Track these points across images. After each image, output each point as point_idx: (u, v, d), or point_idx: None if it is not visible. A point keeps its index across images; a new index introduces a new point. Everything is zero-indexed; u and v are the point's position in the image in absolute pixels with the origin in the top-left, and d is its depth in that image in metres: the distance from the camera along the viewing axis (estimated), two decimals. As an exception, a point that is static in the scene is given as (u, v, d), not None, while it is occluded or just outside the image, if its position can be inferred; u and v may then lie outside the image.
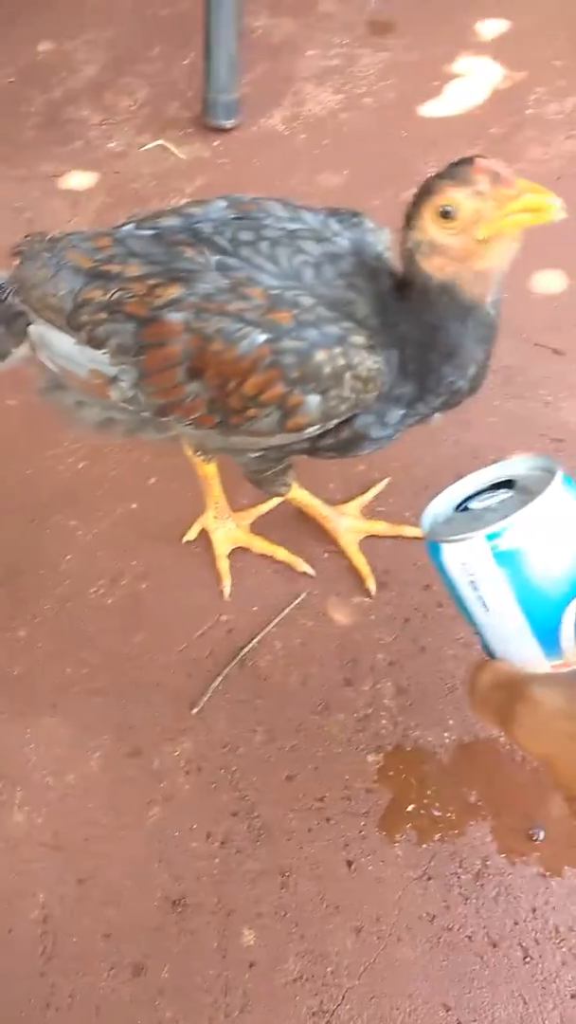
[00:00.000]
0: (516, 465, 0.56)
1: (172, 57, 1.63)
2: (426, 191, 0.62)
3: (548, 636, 0.52)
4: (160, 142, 1.48)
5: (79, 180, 1.45)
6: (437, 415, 0.74)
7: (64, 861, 0.82)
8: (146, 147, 1.48)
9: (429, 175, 0.63)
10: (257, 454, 0.78)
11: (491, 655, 0.56)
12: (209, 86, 1.44)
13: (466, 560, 0.52)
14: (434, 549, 0.54)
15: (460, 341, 0.67)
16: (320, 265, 0.69)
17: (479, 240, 0.62)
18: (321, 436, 0.73)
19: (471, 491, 0.57)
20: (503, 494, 0.55)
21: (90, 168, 1.47)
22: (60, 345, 0.75)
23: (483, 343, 0.68)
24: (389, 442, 0.76)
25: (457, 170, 0.61)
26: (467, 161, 0.61)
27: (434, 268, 0.64)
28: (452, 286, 0.65)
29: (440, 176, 0.62)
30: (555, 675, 0.53)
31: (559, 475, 0.52)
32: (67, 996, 0.76)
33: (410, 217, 0.64)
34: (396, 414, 0.72)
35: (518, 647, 0.53)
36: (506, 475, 0.56)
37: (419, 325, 0.67)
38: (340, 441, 0.74)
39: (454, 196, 0.61)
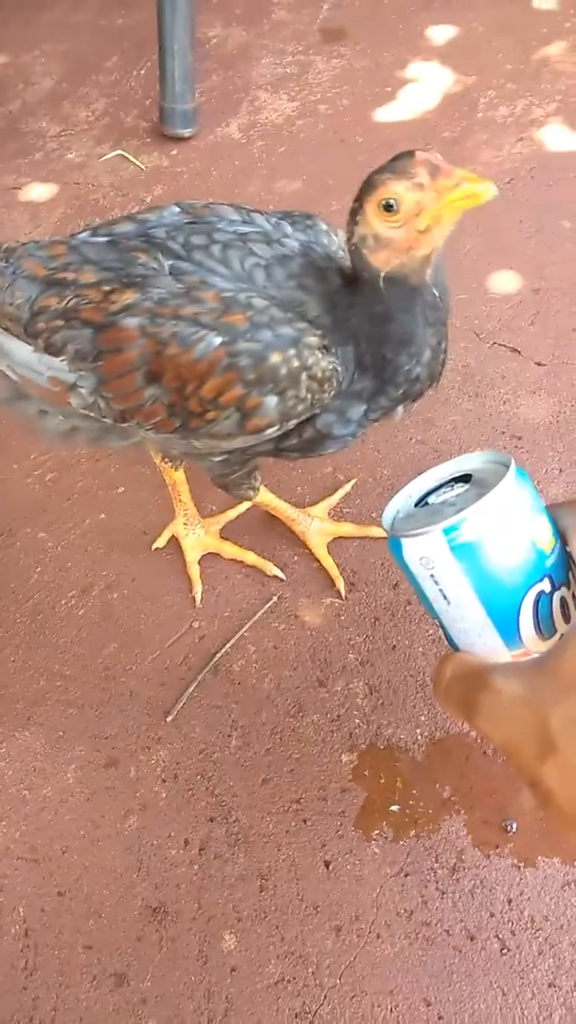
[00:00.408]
0: (472, 460, 0.58)
1: (129, 67, 1.63)
2: (368, 186, 0.63)
3: (507, 626, 0.53)
4: (119, 152, 1.49)
5: (39, 192, 1.45)
6: (399, 409, 0.75)
7: (43, 874, 0.82)
8: (105, 157, 1.49)
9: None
10: (221, 457, 0.78)
11: (455, 648, 0.57)
12: (165, 96, 1.45)
13: (425, 554, 0.53)
14: (395, 544, 0.56)
15: (411, 328, 0.68)
16: (271, 267, 0.70)
17: (421, 230, 0.63)
18: (284, 437, 0.74)
19: (430, 486, 0.58)
20: (460, 488, 0.56)
21: (50, 179, 1.47)
22: (19, 353, 0.75)
23: (433, 326, 0.69)
24: (353, 440, 0.77)
25: (397, 164, 0.62)
26: (406, 155, 0.62)
27: (380, 261, 0.65)
28: (398, 276, 0.66)
29: (381, 171, 0.63)
30: (515, 663, 0.54)
31: (512, 468, 0.54)
32: (50, 1009, 0.76)
33: (354, 213, 0.65)
34: (358, 410, 0.73)
35: (479, 638, 0.54)
36: (463, 470, 0.57)
37: (370, 318, 0.68)
38: (304, 441, 0.74)
39: (395, 189, 0.61)
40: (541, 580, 0.53)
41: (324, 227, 0.77)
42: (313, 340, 0.68)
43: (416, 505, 0.58)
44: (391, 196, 0.62)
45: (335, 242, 0.76)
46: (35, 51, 1.69)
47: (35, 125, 1.56)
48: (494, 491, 0.52)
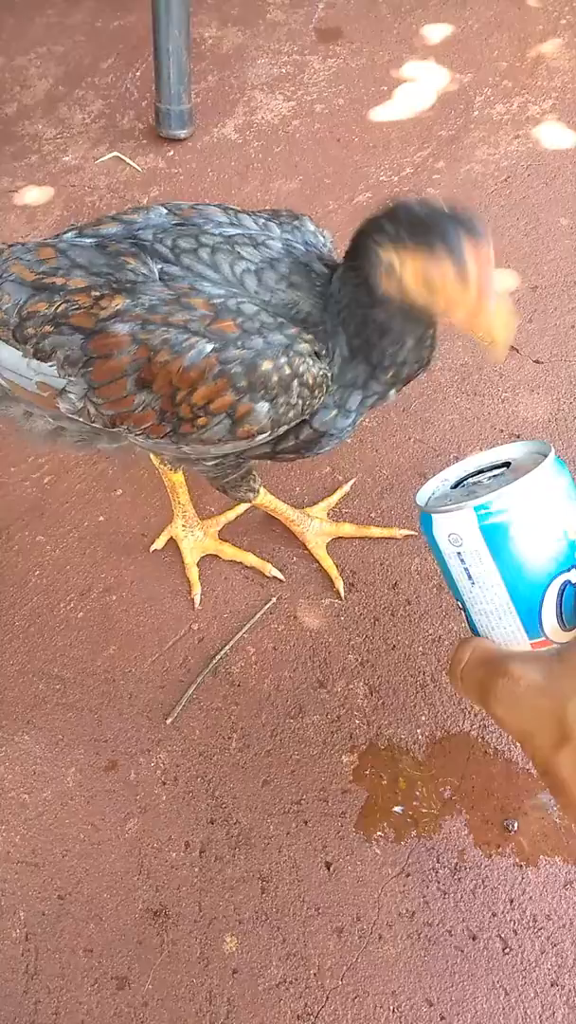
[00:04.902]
0: (513, 448, 0.58)
1: (124, 69, 1.63)
2: (427, 244, 0.59)
3: (529, 613, 0.53)
4: (115, 154, 1.49)
5: (35, 195, 1.45)
6: (392, 393, 0.74)
7: (44, 878, 0.82)
8: (101, 159, 1.48)
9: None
10: (213, 462, 0.78)
11: (474, 631, 0.56)
12: (161, 97, 1.45)
13: (454, 530, 0.53)
14: (426, 520, 0.55)
15: (390, 322, 0.67)
16: (261, 271, 0.70)
17: (443, 312, 0.63)
18: (281, 439, 0.73)
19: (469, 471, 0.58)
20: (498, 472, 0.56)
21: (46, 182, 1.46)
22: (7, 358, 0.75)
23: (415, 321, 0.68)
24: (351, 431, 0.76)
25: (460, 255, 0.59)
26: (471, 247, 0.59)
27: (387, 287, 0.64)
28: (398, 301, 0.65)
29: (452, 248, 0.59)
30: (535, 652, 0.54)
31: (551, 456, 0.54)
32: (51, 1013, 0.76)
33: (397, 239, 0.61)
34: (355, 399, 0.72)
35: (500, 622, 0.54)
36: (503, 457, 0.57)
37: (356, 303, 0.67)
38: (301, 442, 0.74)
39: (446, 279, 0.59)
40: (569, 570, 0.53)
41: (312, 227, 0.77)
42: (304, 347, 0.68)
43: (453, 488, 0.58)
44: (438, 283, 0.60)
45: (322, 240, 0.76)
46: (30, 54, 1.68)
47: (31, 128, 1.56)
48: (530, 475, 0.52)
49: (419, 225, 0.60)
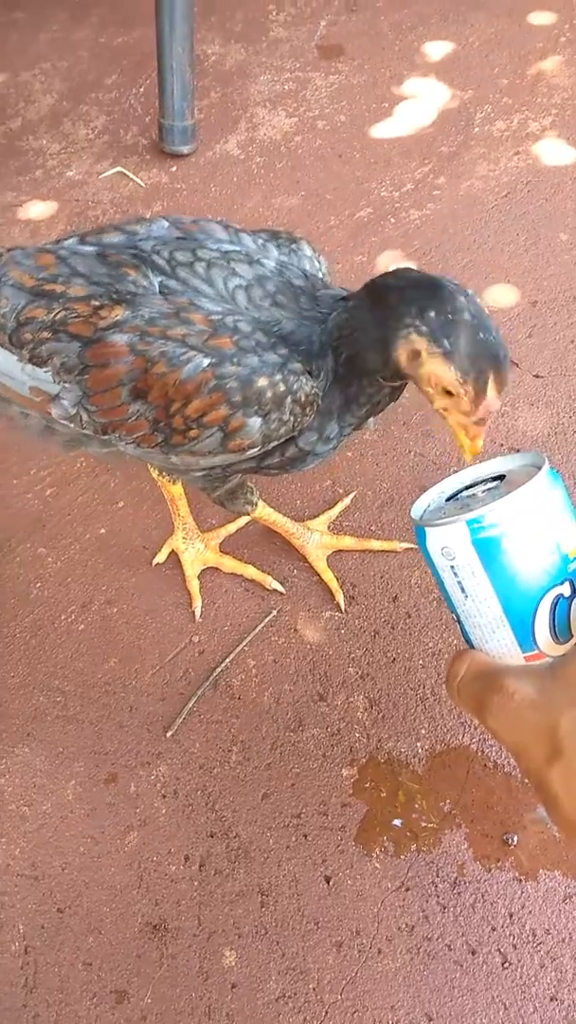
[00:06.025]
0: (509, 461, 0.58)
1: (128, 85, 1.65)
2: (463, 370, 0.62)
3: (522, 626, 0.53)
4: (119, 169, 1.50)
5: (39, 209, 1.46)
6: (370, 421, 0.76)
7: (43, 891, 0.82)
8: (105, 174, 1.50)
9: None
10: (201, 473, 0.79)
11: (469, 644, 0.57)
12: (164, 113, 1.46)
13: (447, 544, 0.53)
14: (419, 534, 0.56)
15: (379, 377, 0.70)
16: (250, 288, 0.71)
17: (435, 407, 0.67)
18: (267, 455, 0.74)
19: (464, 484, 0.59)
20: (492, 486, 0.57)
21: (50, 197, 1.48)
22: (0, 362, 0.75)
23: (403, 381, 0.70)
24: (333, 453, 0.78)
25: (481, 384, 0.62)
26: (493, 385, 0.63)
27: (403, 365, 0.65)
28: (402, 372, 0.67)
29: (480, 380, 0.62)
30: (528, 666, 0.54)
31: (544, 468, 0.54)
32: (50, 1028, 0.76)
33: (433, 340, 0.62)
34: (333, 428, 0.74)
35: (493, 635, 0.54)
36: (498, 470, 0.58)
37: (356, 339, 0.68)
38: (286, 459, 0.75)
39: (461, 399, 0.64)
40: (562, 583, 0.53)
41: (308, 252, 0.78)
42: (297, 366, 0.69)
43: (447, 500, 0.58)
44: (454, 392, 0.63)
45: (317, 267, 0.77)
46: (35, 69, 1.70)
47: (35, 143, 1.57)
48: (523, 488, 0.52)
49: (459, 338, 0.62)
